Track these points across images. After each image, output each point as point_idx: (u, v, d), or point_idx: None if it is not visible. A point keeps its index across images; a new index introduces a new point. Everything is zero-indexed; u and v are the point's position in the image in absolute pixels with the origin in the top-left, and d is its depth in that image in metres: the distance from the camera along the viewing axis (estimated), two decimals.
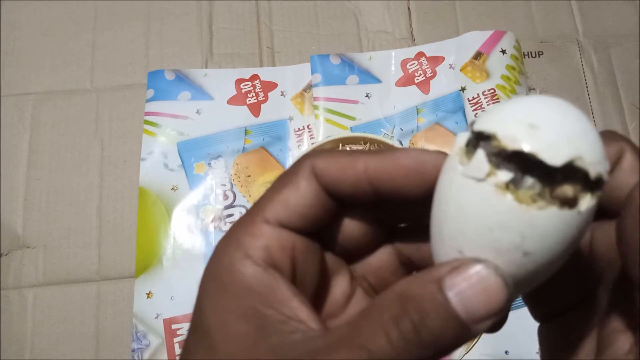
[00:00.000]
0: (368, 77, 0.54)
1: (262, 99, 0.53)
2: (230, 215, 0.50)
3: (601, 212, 0.16)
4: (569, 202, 0.14)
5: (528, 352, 0.44)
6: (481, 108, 0.51)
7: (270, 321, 0.16)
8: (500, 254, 0.15)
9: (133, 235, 0.49)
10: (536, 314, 0.20)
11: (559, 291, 0.19)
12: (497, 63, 0.52)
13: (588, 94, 0.54)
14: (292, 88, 0.53)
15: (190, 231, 0.49)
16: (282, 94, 0.53)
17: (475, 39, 0.53)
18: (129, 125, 0.52)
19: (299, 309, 0.17)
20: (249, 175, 0.51)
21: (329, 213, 0.19)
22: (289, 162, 0.51)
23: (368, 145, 0.50)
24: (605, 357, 0.17)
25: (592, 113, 0.53)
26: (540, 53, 0.55)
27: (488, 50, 0.53)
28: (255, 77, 0.54)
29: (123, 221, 0.49)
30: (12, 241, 0.49)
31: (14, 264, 0.48)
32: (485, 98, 0.51)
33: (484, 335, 0.45)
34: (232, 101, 0.53)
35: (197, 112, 0.52)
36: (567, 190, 0.14)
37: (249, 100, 0.53)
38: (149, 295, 0.47)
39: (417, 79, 0.53)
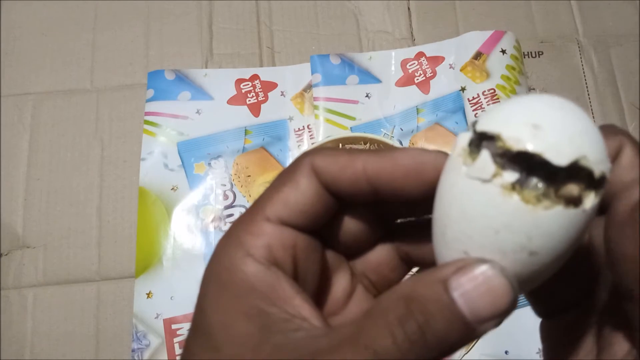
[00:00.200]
0: (368, 77, 0.54)
1: (262, 99, 0.53)
2: (230, 215, 0.49)
3: (599, 208, 0.16)
4: (574, 201, 0.14)
5: (528, 352, 0.44)
6: (481, 108, 0.51)
7: (273, 319, 0.16)
8: (506, 255, 0.15)
9: (133, 235, 0.48)
10: (538, 310, 0.20)
11: (561, 288, 0.19)
12: (497, 63, 0.52)
13: (588, 94, 0.54)
14: (292, 88, 0.53)
15: (190, 231, 0.49)
16: (282, 94, 0.53)
17: (475, 39, 0.53)
18: (129, 125, 0.52)
19: (301, 307, 0.17)
20: (249, 175, 0.51)
21: (330, 211, 0.19)
22: (289, 162, 0.51)
23: (368, 145, 0.50)
24: (606, 357, 0.17)
25: (592, 113, 0.53)
26: (540, 53, 0.55)
27: (488, 50, 0.53)
28: (255, 77, 0.54)
29: (123, 221, 0.49)
30: (12, 241, 0.49)
31: (14, 264, 0.48)
32: (485, 98, 0.51)
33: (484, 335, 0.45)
34: (232, 101, 0.53)
35: (197, 112, 0.52)
36: (573, 189, 0.14)
37: (249, 100, 0.53)
38: (149, 295, 0.47)
39: (417, 79, 0.53)
